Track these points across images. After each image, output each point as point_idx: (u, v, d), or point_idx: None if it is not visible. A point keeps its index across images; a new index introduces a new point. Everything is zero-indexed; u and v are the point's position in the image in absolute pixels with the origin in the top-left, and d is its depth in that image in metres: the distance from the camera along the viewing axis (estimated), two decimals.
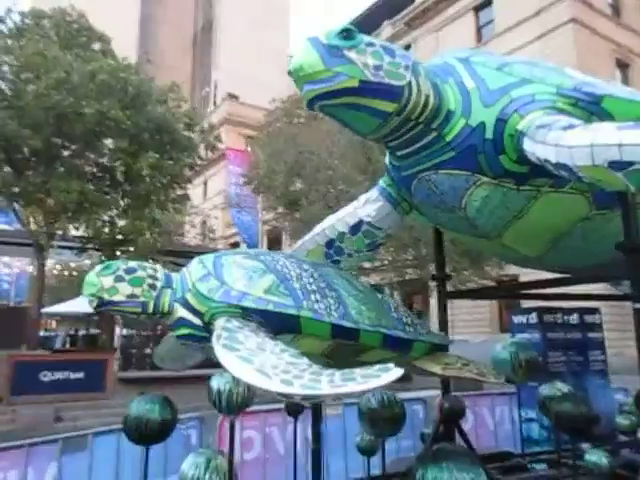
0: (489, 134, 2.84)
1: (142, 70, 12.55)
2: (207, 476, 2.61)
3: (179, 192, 13.03)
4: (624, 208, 3.02)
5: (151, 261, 15.11)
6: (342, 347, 2.39)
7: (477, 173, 2.98)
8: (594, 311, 5.94)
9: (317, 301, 2.33)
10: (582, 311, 5.84)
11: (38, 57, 9.64)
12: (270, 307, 2.21)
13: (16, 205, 11.90)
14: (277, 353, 1.90)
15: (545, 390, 4.19)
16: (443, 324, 4.45)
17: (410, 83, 2.74)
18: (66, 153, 12.02)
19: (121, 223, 12.60)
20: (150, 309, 2.29)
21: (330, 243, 3.78)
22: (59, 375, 11.27)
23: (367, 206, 3.80)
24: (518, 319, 5.90)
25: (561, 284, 4.09)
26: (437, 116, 2.91)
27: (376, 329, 2.44)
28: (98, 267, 2.31)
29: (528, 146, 2.64)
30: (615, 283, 4.71)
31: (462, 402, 3.82)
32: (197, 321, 2.26)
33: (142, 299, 2.29)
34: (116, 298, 2.26)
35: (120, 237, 12.68)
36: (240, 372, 1.74)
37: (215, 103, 70.12)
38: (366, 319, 2.43)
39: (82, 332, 20.23)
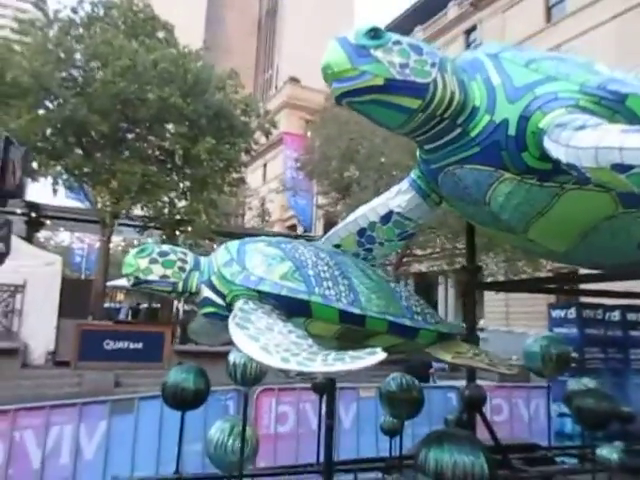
0: (512, 131, 2.90)
1: (203, 57, 12.99)
2: (230, 441, 2.90)
3: (235, 176, 13.47)
4: None
5: (207, 241, 15.80)
6: (351, 331, 2.58)
7: (500, 169, 3.04)
8: (639, 309, 5.79)
9: (329, 288, 2.53)
10: (625, 308, 5.71)
11: (105, 46, 10.25)
12: (284, 292, 2.43)
13: (85, 185, 12.75)
14: (284, 334, 2.12)
15: (572, 385, 4.22)
16: (471, 314, 4.53)
17: (436, 80, 2.84)
18: (130, 136, 12.70)
19: (180, 204, 13.23)
20: (179, 289, 2.57)
21: (362, 232, 3.95)
22: (120, 345, 12.09)
23: (398, 197, 3.93)
24: (556, 313, 5.84)
25: (597, 280, 4.06)
26: (462, 112, 2.99)
27: (383, 316, 2.61)
28: (135, 250, 2.60)
29: (547, 144, 2.69)
30: None
31: (483, 391, 3.91)
32: (220, 301, 2.52)
33: (173, 279, 2.56)
34: (150, 278, 2.54)
35: (179, 218, 13.31)
36: (246, 348, 1.98)
37: (276, 87, 70.86)
38: (374, 306, 2.60)
39: (144, 306, 21.44)
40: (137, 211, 13.80)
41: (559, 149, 2.52)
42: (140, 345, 12.26)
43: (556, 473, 4.14)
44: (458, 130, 3.03)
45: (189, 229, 13.34)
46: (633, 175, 2.14)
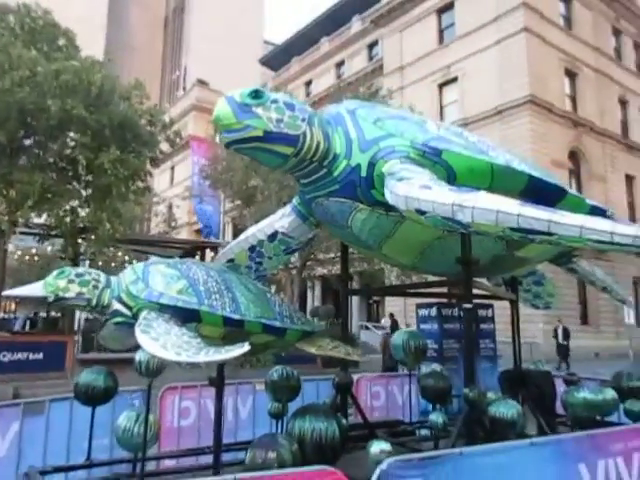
0: (364, 173, 3.84)
1: (106, 66, 13.04)
2: (136, 427, 3.52)
3: (140, 185, 13.61)
4: (461, 231, 4.03)
5: (112, 249, 15.72)
6: (234, 332, 3.32)
7: (357, 201, 3.99)
8: (488, 307, 7.03)
9: (215, 300, 3.25)
10: (477, 306, 6.90)
11: (2, 54, 10.10)
12: (179, 304, 3.13)
13: None
14: (178, 335, 2.82)
15: (423, 369, 5.25)
16: (345, 315, 5.43)
17: (305, 132, 3.71)
18: (29, 142, 12.46)
19: (83, 213, 13.15)
20: (94, 303, 3.18)
21: (252, 248, 4.76)
22: (19, 356, 11.84)
23: (282, 219, 4.78)
24: (422, 312, 6.95)
25: (428, 286, 5.10)
26: (327, 157, 3.89)
27: (258, 320, 3.38)
28: (55, 272, 3.18)
29: (384, 187, 3.63)
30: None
31: (350, 377, 4.81)
32: (128, 313, 3.16)
33: (87, 296, 3.17)
34: (68, 295, 3.13)
35: (82, 226, 13.23)
36: (149, 347, 2.66)
37: (185, 88, 69.72)
38: (252, 313, 3.37)
39: (42, 315, 20.65)
40: (37, 219, 13.51)
41: (387, 193, 3.47)
42: (40, 355, 12.08)
43: (410, 441, 5.11)
44: (324, 171, 3.95)
45: (92, 237, 13.29)
46: (428, 217, 3.10)
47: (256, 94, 3.60)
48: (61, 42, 12.49)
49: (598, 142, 26.10)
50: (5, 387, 11.05)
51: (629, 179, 27.85)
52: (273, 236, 4.75)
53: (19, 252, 17.71)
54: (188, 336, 2.82)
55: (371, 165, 3.84)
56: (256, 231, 4.80)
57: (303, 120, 3.76)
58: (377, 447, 2.98)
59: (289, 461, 2.65)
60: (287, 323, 3.57)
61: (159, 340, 2.71)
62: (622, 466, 3.09)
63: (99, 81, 10.81)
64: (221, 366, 3.52)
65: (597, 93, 26.63)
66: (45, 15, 12.15)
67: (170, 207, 35.93)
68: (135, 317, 3.10)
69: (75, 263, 15.10)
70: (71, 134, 12.48)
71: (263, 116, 3.59)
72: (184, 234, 38.45)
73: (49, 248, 16.18)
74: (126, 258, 17.37)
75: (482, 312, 6.99)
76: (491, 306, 7.06)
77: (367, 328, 25.90)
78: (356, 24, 37.21)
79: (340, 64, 37.82)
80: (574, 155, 25.18)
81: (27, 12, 11.92)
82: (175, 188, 42.09)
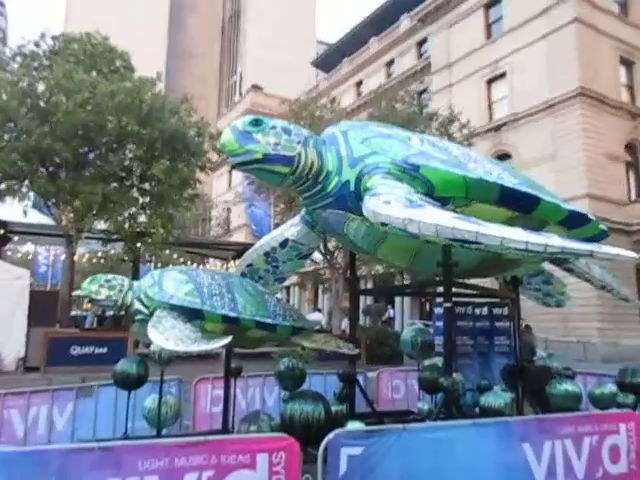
0: (352, 188, 4.37)
1: (157, 83, 14.13)
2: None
3: (190, 192, 14.67)
4: None
5: (167, 252, 16.92)
6: (232, 327, 3.94)
7: (348, 212, 4.51)
8: (503, 305, 7.29)
9: (216, 300, 3.89)
10: (491, 305, 7.20)
11: (67, 80, 11.32)
12: (186, 304, 3.79)
13: (49, 203, 13.77)
14: (182, 330, 3.47)
15: (426, 363, 5.68)
16: (354, 313, 5.95)
17: (300, 153, 4.29)
18: (91, 157, 13.76)
19: (140, 219, 14.36)
20: (119, 304, 3.91)
21: (267, 254, 5.40)
22: (86, 350, 13.14)
23: (292, 228, 5.39)
24: (437, 310, 7.32)
25: (424, 286, 5.52)
26: (320, 174, 4.45)
27: (252, 317, 4.00)
28: (89, 278, 3.93)
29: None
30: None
31: (353, 371, 5.32)
32: (146, 311, 3.86)
33: (114, 298, 3.90)
34: (99, 297, 3.87)
35: (139, 230, 14.46)
36: (155, 339, 3.33)
37: (241, 93, 71.90)
38: (247, 311, 3.99)
39: (110, 313, 22.35)
40: (101, 225, 14.86)
41: (363, 206, 3.98)
42: (104, 350, 13.31)
43: None
44: (319, 186, 4.51)
45: (149, 241, 14.46)
46: (391, 228, 3.59)
47: (256, 122, 4.22)
48: (118, 63, 13.69)
49: None
50: (74, 377, 12.35)
51: None
52: (284, 243, 5.35)
53: (87, 255, 19.32)
54: (190, 330, 3.48)
55: (358, 181, 4.34)
56: (270, 239, 5.44)
57: (298, 142, 4.34)
58: (352, 425, 3.50)
59: (267, 432, 3.24)
60: (279, 320, 4.16)
61: (164, 334, 3.37)
62: (571, 447, 3.44)
63: (149, 100, 11.81)
64: (228, 359, 4.16)
65: None
66: (104, 41, 13.36)
67: (228, 210, 37.32)
68: (151, 315, 3.78)
69: (136, 265, 16.45)
70: (129, 146, 13.67)
71: (262, 141, 4.19)
72: (242, 235, 39.81)
73: (112, 251, 17.64)
74: (181, 260, 18.63)
75: (497, 310, 7.27)
76: (506, 304, 7.31)
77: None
78: (405, 22, 37.21)
79: (390, 63, 37.90)
80: (631, 147, 24.19)
81: (88, 39, 13.17)
82: (232, 191, 43.60)
